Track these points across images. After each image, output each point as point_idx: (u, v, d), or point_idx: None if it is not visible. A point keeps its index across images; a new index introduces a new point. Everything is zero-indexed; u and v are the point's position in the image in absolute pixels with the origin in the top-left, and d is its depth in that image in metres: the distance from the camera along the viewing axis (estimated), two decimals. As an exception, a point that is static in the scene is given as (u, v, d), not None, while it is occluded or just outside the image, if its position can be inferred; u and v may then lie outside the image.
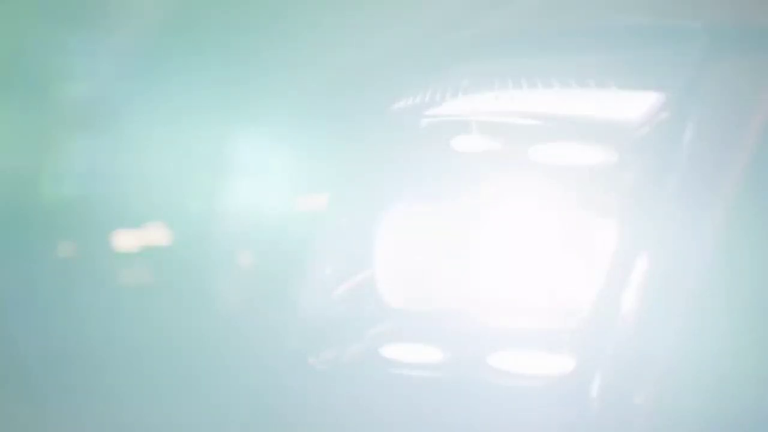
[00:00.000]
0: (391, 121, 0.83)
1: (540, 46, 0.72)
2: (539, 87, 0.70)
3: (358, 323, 0.79)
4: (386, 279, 0.78)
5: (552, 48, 0.72)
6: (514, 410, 0.64)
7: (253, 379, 0.87)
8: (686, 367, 0.57)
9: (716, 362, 0.57)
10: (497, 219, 0.72)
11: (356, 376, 0.75)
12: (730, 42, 0.61)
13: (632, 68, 0.66)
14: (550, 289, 0.69)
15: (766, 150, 0.57)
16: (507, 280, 0.71)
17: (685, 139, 0.61)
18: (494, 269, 0.72)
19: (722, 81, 0.61)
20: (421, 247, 0.78)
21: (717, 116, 0.60)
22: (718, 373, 0.57)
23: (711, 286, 0.57)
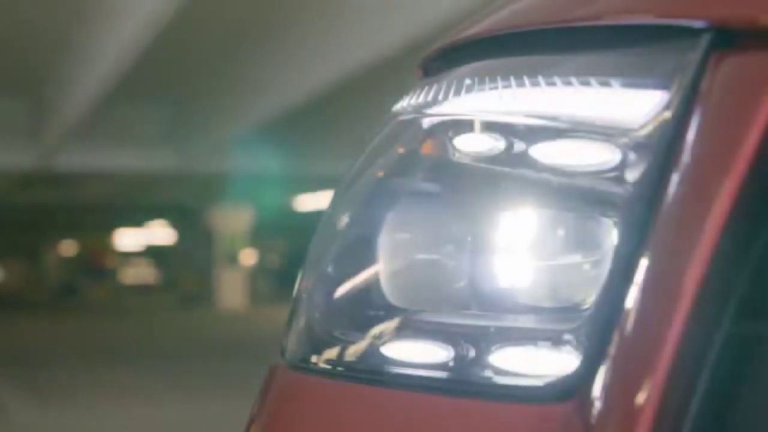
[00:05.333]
0: (393, 120, 0.83)
1: (541, 46, 0.72)
2: (541, 86, 0.70)
3: (359, 322, 0.78)
4: (388, 278, 0.78)
5: (553, 47, 0.72)
6: (514, 409, 0.64)
7: (255, 378, 0.87)
8: (687, 366, 0.57)
9: (717, 361, 0.57)
10: (498, 218, 0.72)
11: (357, 376, 0.75)
12: (730, 42, 0.61)
13: (632, 68, 0.66)
14: (550, 289, 0.69)
15: (766, 150, 0.57)
16: (508, 280, 0.71)
17: (685, 139, 0.61)
18: (495, 269, 0.72)
19: (722, 81, 0.61)
20: (422, 246, 0.78)
21: (717, 116, 0.60)
22: (718, 372, 0.57)
23: (712, 286, 0.57)
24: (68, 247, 46.34)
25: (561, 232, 0.69)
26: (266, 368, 0.87)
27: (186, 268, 33.01)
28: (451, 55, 0.81)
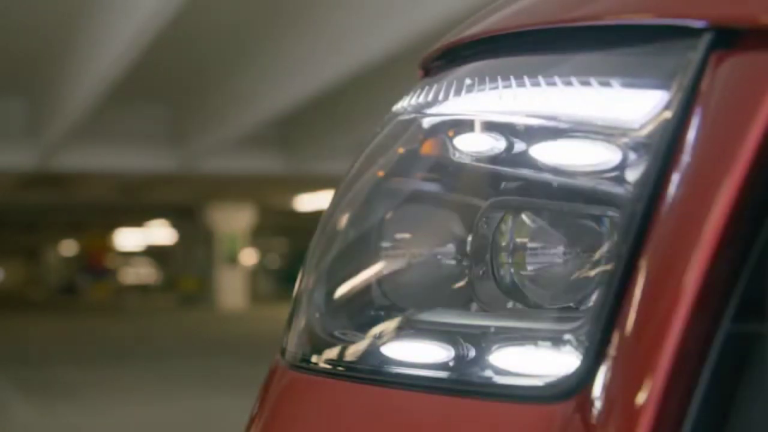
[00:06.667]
0: (393, 120, 0.83)
1: (541, 46, 0.72)
2: (541, 86, 0.70)
3: (359, 322, 0.79)
4: (388, 278, 0.78)
5: (553, 47, 0.72)
6: (514, 409, 0.64)
7: (254, 379, 0.87)
8: (687, 366, 0.57)
9: (717, 361, 0.57)
10: (498, 218, 0.72)
11: (357, 376, 0.75)
12: (730, 42, 0.61)
13: (632, 68, 0.66)
14: (550, 289, 0.69)
15: (766, 150, 0.57)
16: (508, 279, 0.71)
17: (685, 139, 0.61)
18: (495, 268, 0.72)
19: (722, 81, 0.61)
20: (422, 246, 0.78)
21: (717, 116, 0.60)
22: (718, 371, 0.57)
23: (712, 285, 0.57)
24: (68, 247, 46.36)
25: (561, 232, 0.69)
26: (265, 368, 0.87)
27: (186, 268, 33.03)
28: (452, 55, 0.82)
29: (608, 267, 0.63)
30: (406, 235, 0.79)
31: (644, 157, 0.62)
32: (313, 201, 23.18)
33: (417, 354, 0.72)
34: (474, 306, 0.73)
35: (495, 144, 0.72)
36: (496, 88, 0.73)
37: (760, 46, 0.59)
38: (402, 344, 0.74)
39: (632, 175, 0.63)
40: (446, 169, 0.77)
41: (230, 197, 25.52)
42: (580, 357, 0.62)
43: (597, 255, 0.66)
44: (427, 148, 0.79)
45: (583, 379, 0.61)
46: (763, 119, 0.57)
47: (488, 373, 0.67)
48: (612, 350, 0.60)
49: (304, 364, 0.81)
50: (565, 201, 0.68)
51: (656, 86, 0.64)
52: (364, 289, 0.80)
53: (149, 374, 10.72)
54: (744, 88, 0.59)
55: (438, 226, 0.78)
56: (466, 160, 0.74)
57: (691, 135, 0.61)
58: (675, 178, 0.60)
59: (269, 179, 19.18)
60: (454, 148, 0.75)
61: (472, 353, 0.69)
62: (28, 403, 8.69)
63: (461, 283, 0.73)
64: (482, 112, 0.74)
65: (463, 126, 0.75)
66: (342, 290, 0.81)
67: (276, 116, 13.01)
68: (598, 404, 0.59)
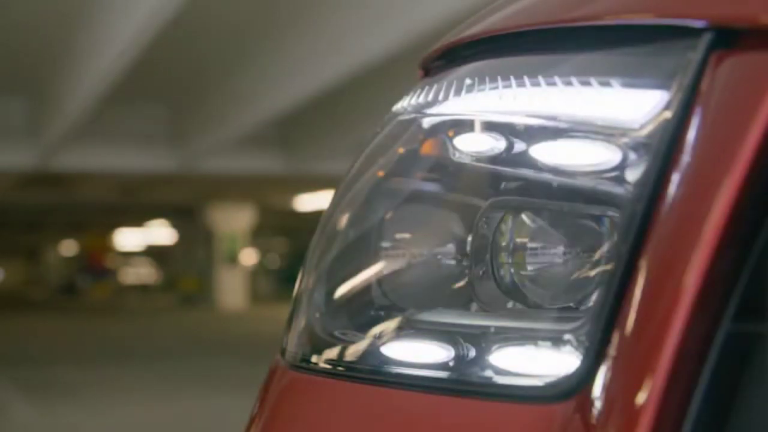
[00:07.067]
0: (393, 120, 0.83)
1: (541, 46, 0.72)
2: (541, 86, 0.70)
3: (359, 322, 0.79)
4: (387, 278, 0.78)
5: (553, 47, 0.72)
6: (514, 409, 0.64)
7: (254, 378, 0.88)
8: (687, 366, 0.57)
9: (717, 361, 0.57)
10: (498, 218, 0.72)
11: (357, 375, 0.75)
12: (730, 42, 0.61)
13: (632, 68, 0.66)
14: (550, 289, 0.69)
15: (766, 150, 0.57)
16: (508, 279, 0.71)
17: (685, 139, 0.61)
18: (495, 268, 0.72)
19: (722, 81, 0.61)
20: (422, 246, 0.78)
21: (717, 116, 0.60)
22: (718, 371, 0.57)
23: (712, 285, 0.57)
24: (68, 247, 46.35)
25: (561, 232, 0.69)
26: (265, 368, 0.87)
27: (186, 268, 33.03)
28: (452, 55, 0.81)
29: (608, 267, 0.63)
30: (406, 235, 0.79)
31: (644, 157, 0.62)
32: (313, 201, 23.17)
33: (417, 354, 0.72)
34: (474, 306, 0.73)
35: (495, 144, 0.72)
36: (496, 88, 0.73)
37: (760, 46, 0.59)
38: (402, 344, 0.74)
39: (632, 175, 0.63)
40: (446, 169, 0.77)
41: (230, 197, 25.51)
42: (580, 357, 0.62)
43: (597, 255, 0.66)
44: (427, 148, 0.79)
45: (583, 379, 0.61)
46: (763, 119, 0.57)
47: (488, 373, 0.67)
48: (612, 350, 0.60)
49: (304, 364, 0.81)
50: (565, 201, 0.68)
51: (656, 86, 0.64)
52: (364, 289, 0.80)
53: (149, 374, 10.72)
54: (744, 88, 0.59)
55: (438, 226, 0.78)
56: (466, 160, 0.74)
57: (691, 135, 0.60)
58: (675, 178, 0.60)
59: (269, 179, 19.17)
60: (454, 148, 0.75)
61: (472, 353, 0.69)
62: (28, 403, 8.69)
63: (461, 283, 0.73)
64: (482, 112, 0.74)
65: (463, 126, 0.75)
66: (342, 290, 0.81)
67: (276, 116, 13.01)
68: (598, 404, 0.59)
